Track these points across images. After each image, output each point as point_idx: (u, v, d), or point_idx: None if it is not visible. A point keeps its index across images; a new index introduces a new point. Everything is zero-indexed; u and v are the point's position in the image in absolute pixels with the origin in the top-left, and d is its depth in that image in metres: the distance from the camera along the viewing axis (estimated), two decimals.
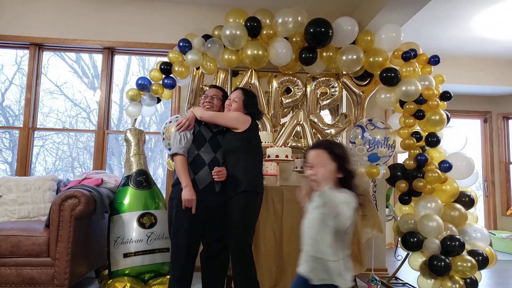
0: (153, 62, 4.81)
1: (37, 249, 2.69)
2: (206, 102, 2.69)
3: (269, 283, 2.81)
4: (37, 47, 4.11)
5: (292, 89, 3.71)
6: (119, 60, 4.29)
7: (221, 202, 2.54)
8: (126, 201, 3.05)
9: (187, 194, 2.39)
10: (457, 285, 2.87)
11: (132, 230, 2.99)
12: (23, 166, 3.97)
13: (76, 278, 2.84)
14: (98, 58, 4.48)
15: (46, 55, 4.31)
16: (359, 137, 3.35)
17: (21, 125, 4.03)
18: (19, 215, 3.14)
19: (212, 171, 2.47)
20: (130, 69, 4.93)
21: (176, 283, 2.44)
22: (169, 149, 2.90)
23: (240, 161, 2.54)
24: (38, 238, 2.71)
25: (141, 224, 3.00)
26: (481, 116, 6.01)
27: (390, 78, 3.25)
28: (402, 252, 4.27)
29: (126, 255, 2.95)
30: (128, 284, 2.84)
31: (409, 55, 3.26)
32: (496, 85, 5.38)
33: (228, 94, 2.85)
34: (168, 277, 2.67)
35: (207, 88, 2.90)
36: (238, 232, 2.47)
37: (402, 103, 3.32)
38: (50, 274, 2.68)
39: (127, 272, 2.95)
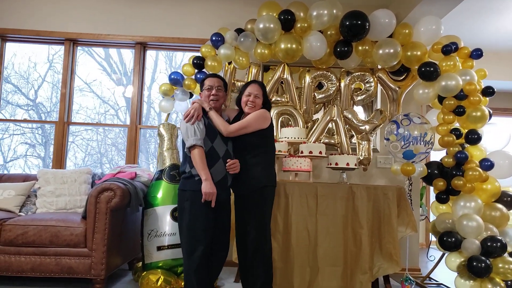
0: (180, 59, 4.84)
1: (75, 239, 2.75)
2: (212, 95, 2.57)
3: (301, 283, 2.76)
4: (72, 42, 4.19)
5: (326, 84, 3.64)
6: (147, 58, 4.33)
7: (229, 198, 2.60)
8: (160, 195, 3.08)
9: (208, 187, 2.36)
10: (498, 287, 2.76)
11: (165, 224, 3.01)
12: (59, 160, 4.07)
13: (111, 269, 2.89)
14: (127, 55, 4.53)
15: (79, 52, 4.39)
16: (394, 133, 3.26)
17: (56, 120, 4.13)
18: (57, 206, 3.21)
19: (227, 165, 2.46)
20: (157, 67, 4.96)
21: (193, 276, 2.39)
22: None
23: (259, 157, 2.55)
24: (75, 229, 2.77)
25: (175, 217, 3.01)
26: None
27: (429, 73, 3.14)
28: (434, 253, 4.16)
29: (159, 248, 2.98)
30: (162, 277, 2.86)
31: (449, 49, 3.14)
32: None
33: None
34: None
35: (206, 75, 2.74)
36: (261, 226, 2.50)
37: (441, 99, 3.21)
38: (87, 264, 2.73)
39: (160, 264, 2.97)
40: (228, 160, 2.48)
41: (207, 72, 3.42)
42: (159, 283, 2.84)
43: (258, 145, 2.55)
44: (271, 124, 2.63)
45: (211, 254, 2.50)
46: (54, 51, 4.52)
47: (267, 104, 2.69)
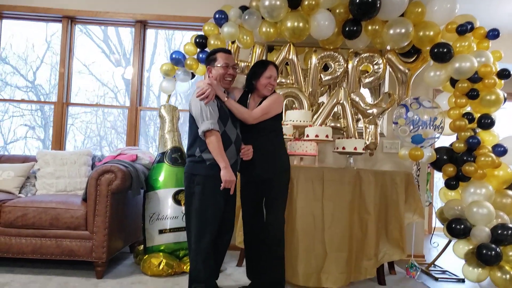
0: (179, 42, 4.71)
1: (76, 222, 2.70)
2: (229, 74, 2.43)
3: (306, 269, 2.70)
4: (69, 20, 4.05)
5: (332, 66, 3.51)
6: (147, 37, 4.19)
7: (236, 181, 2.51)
8: (161, 178, 3.00)
9: (229, 175, 2.28)
10: (508, 276, 2.69)
11: (167, 207, 2.95)
12: (58, 141, 3.98)
13: (113, 252, 2.84)
14: (125, 36, 4.40)
15: (77, 33, 4.24)
16: (402, 117, 3.16)
17: (55, 101, 4.02)
18: (57, 188, 3.15)
19: (241, 151, 2.40)
20: (156, 49, 4.83)
21: (201, 263, 2.32)
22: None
23: (274, 140, 2.53)
24: (76, 212, 2.71)
25: (177, 201, 2.95)
26: None
27: (442, 54, 3.01)
28: (437, 239, 4.11)
29: (161, 232, 2.92)
30: (164, 260, 2.82)
31: (465, 28, 3.00)
32: None
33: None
34: None
35: (221, 53, 2.46)
36: (279, 210, 2.50)
37: (453, 82, 3.09)
38: (88, 247, 2.68)
39: (162, 248, 2.92)
40: (243, 147, 2.41)
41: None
42: (161, 266, 2.80)
43: (272, 129, 2.51)
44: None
45: (218, 236, 2.44)
46: (52, 32, 4.39)
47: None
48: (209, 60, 2.46)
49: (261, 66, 2.53)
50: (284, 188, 2.54)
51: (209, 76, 2.47)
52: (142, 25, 4.07)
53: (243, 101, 2.54)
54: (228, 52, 2.49)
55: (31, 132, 4.66)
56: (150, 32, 4.28)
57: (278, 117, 2.54)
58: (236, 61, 3.43)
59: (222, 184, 2.27)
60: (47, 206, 2.72)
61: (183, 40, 4.56)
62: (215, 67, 2.41)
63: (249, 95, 2.58)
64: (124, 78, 4.57)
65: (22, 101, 4.36)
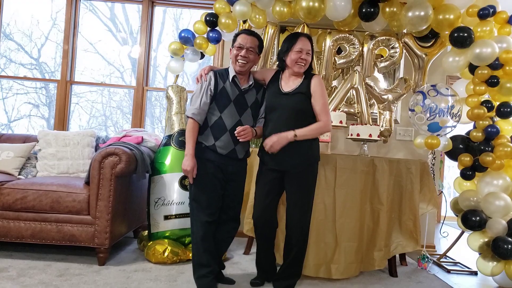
0: (187, 22, 4.56)
1: (78, 206, 2.60)
2: (241, 56, 2.25)
3: (315, 259, 2.62)
4: None
5: (347, 49, 3.36)
6: (155, 15, 4.04)
7: (242, 169, 2.39)
8: (168, 161, 2.90)
9: (185, 164, 2.21)
10: None
11: (173, 192, 2.86)
12: (61, 121, 3.87)
13: (116, 238, 2.76)
14: (132, 14, 4.24)
15: (83, 8, 4.09)
16: (420, 104, 3.03)
17: (59, 79, 3.90)
18: (59, 170, 3.05)
19: (235, 132, 2.22)
20: (163, 29, 4.67)
21: (200, 243, 2.26)
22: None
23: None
24: (78, 195, 2.61)
25: (183, 186, 2.85)
26: None
27: (463, 39, 2.86)
28: (446, 229, 4.04)
29: (167, 217, 2.83)
30: (169, 247, 2.73)
31: (487, 12, 2.84)
32: None
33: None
34: None
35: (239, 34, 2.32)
36: (309, 203, 2.35)
37: (472, 68, 2.95)
38: (90, 233, 2.59)
39: (167, 234, 2.84)
40: (238, 127, 2.22)
41: (220, 31, 3.15)
42: (166, 254, 2.72)
43: (311, 112, 2.27)
44: None
45: (220, 224, 2.35)
46: (58, 8, 4.24)
47: (312, 61, 2.36)
48: (233, 41, 2.36)
49: (291, 39, 2.28)
50: (313, 181, 2.38)
51: (230, 58, 2.38)
52: (150, 2, 3.92)
53: (274, 81, 2.35)
54: (250, 33, 2.30)
55: (35, 110, 4.55)
56: (158, 10, 4.12)
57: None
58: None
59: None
60: (47, 189, 2.61)
61: (191, 20, 4.40)
62: (232, 48, 2.32)
63: (280, 74, 2.36)
64: (130, 58, 4.43)
65: (25, 78, 4.23)
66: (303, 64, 2.24)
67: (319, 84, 2.26)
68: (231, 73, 2.30)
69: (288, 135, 2.17)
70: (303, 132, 2.18)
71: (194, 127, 2.24)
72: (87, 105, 4.69)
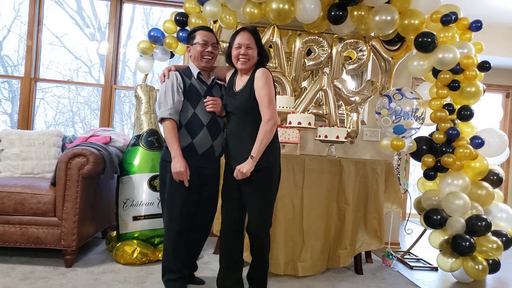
0: (157, 16, 4.50)
1: (43, 208, 2.54)
2: (207, 52, 2.21)
3: (285, 257, 2.67)
4: None
5: (316, 50, 3.42)
6: (123, 12, 3.96)
7: (217, 172, 2.31)
8: (137, 162, 2.87)
9: (177, 166, 2.10)
10: (480, 266, 2.75)
11: (142, 193, 2.84)
12: (25, 119, 3.75)
13: (84, 239, 2.72)
14: (100, 8, 4.14)
15: (48, 2, 3.95)
16: (385, 107, 3.14)
17: (22, 75, 3.77)
18: (23, 170, 2.96)
19: (204, 101, 2.16)
20: (133, 24, 4.59)
21: (171, 252, 2.22)
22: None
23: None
24: (43, 197, 2.55)
25: (152, 186, 2.84)
26: (503, 91, 5.72)
27: (426, 44, 2.97)
28: (411, 226, 4.18)
29: (135, 218, 2.81)
30: (138, 248, 2.72)
31: (449, 19, 2.97)
32: None
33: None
34: None
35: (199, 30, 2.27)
36: (269, 210, 2.20)
37: (435, 72, 3.07)
38: (56, 235, 2.54)
39: (136, 235, 2.82)
40: (207, 98, 2.15)
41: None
42: (134, 254, 2.70)
43: (256, 112, 2.12)
44: None
45: (193, 229, 2.31)
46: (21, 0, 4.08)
47: (263, 55, 2.19)
48: (189, 39, 2.31)
49: (233, 36, 2.19)
50: (273, 181, 2.19)
51: (189, 56, 2.33)
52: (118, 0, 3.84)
53: (230, 80, 2.28)
54: (208, 30, 2.30)
55: None
56: (127, 6, 4.04)
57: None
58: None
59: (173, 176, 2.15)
60: (11, 191, 2.53)
61: (161, 15, 4.35)
62: (194, 45, 2.26)
63: (237, 73, 2.27)
64: (99, 54, 4.33)
65: None
66: (245, 60, 2.12)
67: (260, 76, 2.09)
68: (195, 70, 2.27)
69: (249, 162, 2.05)
70: (256, 149, 2.04)
71: (173, 127, 2.15)
72: (53, 101, 4.56)
